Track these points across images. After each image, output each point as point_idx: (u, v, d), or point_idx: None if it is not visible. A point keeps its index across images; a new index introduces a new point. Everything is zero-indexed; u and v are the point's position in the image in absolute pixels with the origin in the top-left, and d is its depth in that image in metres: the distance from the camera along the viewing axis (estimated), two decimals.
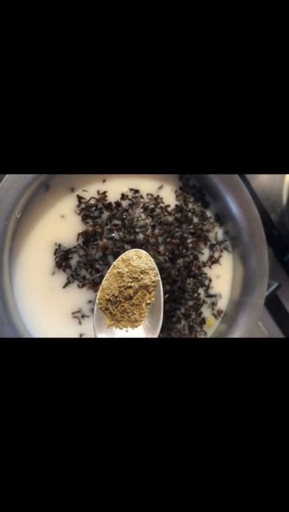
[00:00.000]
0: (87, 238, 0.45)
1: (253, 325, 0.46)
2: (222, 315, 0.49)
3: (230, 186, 0.47)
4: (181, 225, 0.48)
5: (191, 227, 0.48)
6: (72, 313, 0.44)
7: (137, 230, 0.46)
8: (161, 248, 0.47)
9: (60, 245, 0.44)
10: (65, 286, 0.44)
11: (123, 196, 0.46)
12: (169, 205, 0.48)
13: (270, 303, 0.61)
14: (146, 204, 0.47)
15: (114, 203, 0.46)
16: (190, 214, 0.49)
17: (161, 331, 0.46)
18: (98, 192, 0.46)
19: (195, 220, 0.49)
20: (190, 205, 0.49)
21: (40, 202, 0.44)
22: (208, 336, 0.48)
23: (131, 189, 0.47)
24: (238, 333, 0.47)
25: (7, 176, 0.40)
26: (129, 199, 0.47)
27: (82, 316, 0.44)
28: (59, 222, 0.44)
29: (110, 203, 0.46)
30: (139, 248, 0.43)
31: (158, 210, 0.47)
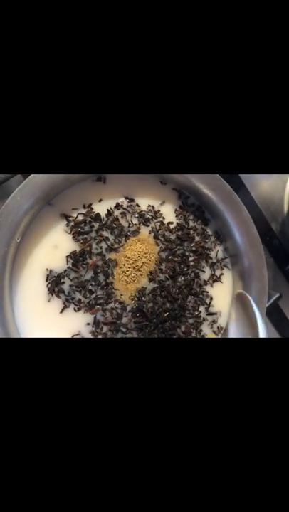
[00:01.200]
0: (76, 259, 0.46)
1: None
2: (222, 331, 0.50)
3: (228, 205, 0.48)
4: (183, 243, 0.49)
5: (192, 245, 0.49)
6: (72, 336, 0.46)
7: (129, 234, 0.48)
8: (163, 266, 0.48)
9: (51, 271, 0.45)
10: (62, 312, 0.45)
11: (117, 205, 0.47)
12: (171, 222, 0.49)
13: (271, 313, 0.61)
14: (143, 212, 0.48)
15: (107, 210, 0.47)
16: (192, 232, 0.50)
17: None
18: (84, 206, 0.47)
19: (197, 238, 0.50)
20: (191, 223, 0.50)
21: (36, 228, 0.45)
22: None
23: (126, 197, 0.48)
24: None
25: (6, 202, 0.42)
26: (124, 208, 0.48)
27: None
28: (50, 248, 0.46)
29: (98, 214, 0.47)
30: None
31: (156, 223, 0.48)
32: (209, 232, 0.50)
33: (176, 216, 0.49)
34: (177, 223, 0.49)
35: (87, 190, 0.47)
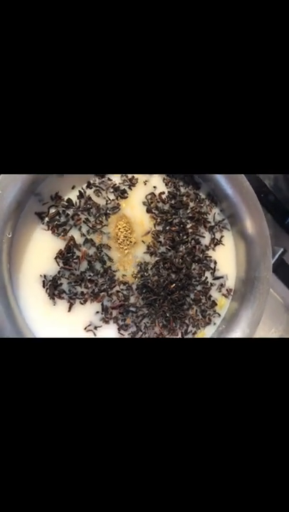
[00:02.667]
0: (66, 257, 0.44)
1: (263, 298, 0.47)
2: (232, 293, 0.49)
3: None
4: (178, 211, 0.48)
5: (188, 211, 0.48)
6: (85, 329, 0.44)
7: (109, 212, 0.45)
8: (161, 238, 0.47)
9: (45, 276, 0.43)
10: (70, 310, 0.44)
11: (89, 184, 0.45)
12: (163, 192, 0.47)
13: (278, 269, 0.61)
14: (118, 185, 0.46)
15: (79, 192, 0.44)
16: (185, 198, 0.48)
17: (174, 321, 0.47)
18: (51, 197, 0.44)
19: (191, 204, 0.48)
20: (182, 190, 0.48)
21: (25, 228, 0.43)
22: (222, 316, 0.49)
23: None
24: (250, 308, 0.47)
25: None
26: (96, 186, 0.45)
27: (96, 328, 0.45)
28: (38, 252, 0.43)
29: (69, 199, 0.44)
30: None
31: (146, 196, 0.47)
32: (202, 195, 0.49)
33: (166, 185, 0.48)
34: (168, 192, 0.48)
35: (57, 181, 0.44)
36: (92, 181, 0.45)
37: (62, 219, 0.44)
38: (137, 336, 0.46)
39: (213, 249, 0.49)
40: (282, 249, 0.60)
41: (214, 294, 0.49)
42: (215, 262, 0.49)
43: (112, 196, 0.46)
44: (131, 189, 0.46)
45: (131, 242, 0.46)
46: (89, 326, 0.44)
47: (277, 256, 0.59)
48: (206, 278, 0.48)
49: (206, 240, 0.49)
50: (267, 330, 0.65)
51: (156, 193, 0.47)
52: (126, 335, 0.45)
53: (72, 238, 0.44)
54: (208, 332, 0.49)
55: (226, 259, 0.49)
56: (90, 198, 0.45)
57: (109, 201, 0.45)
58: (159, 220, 0.47)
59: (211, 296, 0.49)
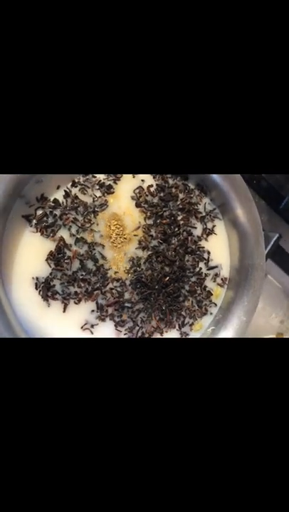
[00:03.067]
0: (56, 258, 0.43)
1: (258, 285, 0.47)
2: (227, 282, 0.49)
3: None
4: (167, 203, 0.48)
5: (178, 203, 0.48)
6: (82, 328, 0.45)
7: (97, 209, 0.45)
8: (152, 231, 0.47)
9: (37, 278, 0.43)
10: (64, 311, 0.44)
11: (73, 183, 0.45)
12: (151, 185, 0.47)
13: (274, 254, 0.60)
14: (103, 181, 0.45)
15: (64, 191, 0.44)
16: (174, 190, 0.48)
17: (170, 313, 0.47)
18: (37, 199, 0.43)
19: (180, 195, 0.48)
20: (170, 182, 0.48)
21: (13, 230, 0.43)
22: (219, 305, 0.49)
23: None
24: (246, 296, 0.47)
25: None
26: (81, 184, 0.45)
27: (92, 326, 0.45)
28: (28, 255, 0.43)
29: (55, 199, 0.44)
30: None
31: (134, 191, 0.46)
32: (191, 186, 0.48)
33: (154, 177, 0.47)
34: (157, 184, 0.47)
35: (41, 182, 0.44)
36: (76, 180, 0.45)
37: (50, 220, 0.44)
38: (134, 331, 0.46)
39: (206, 240, 0.49)
40: (277, 235, 0.59)
41: (209, 284, 0.49)
42: (208, 252, 0.49)
43: (98, 193, 0.45)
44: (116, 183, 0.46)
45: (126, 239, 0.45)
46: (85, 325, 0.45)
47: (272, 242, 0.59)
48: (200, 269, 0.48)
49: (198, 231, 0.48)
50: (267, 316, 0.65)
51: (144, 186, 0.47)
52: (123, 331, 0.46)
53: (61, 239, 0.43)
54: (205, 322, 0.49)
55: (219, 248, 0.49)
56: (76, 197, 0.44)
57: (96, 198, 0.45)
58: (149, 214, 0.47)
59: (206, 286, 0.49)
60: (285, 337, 0.63)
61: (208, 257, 0.49)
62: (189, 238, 0.48)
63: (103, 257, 0.45)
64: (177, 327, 0.47)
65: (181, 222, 0.48)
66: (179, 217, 0.48)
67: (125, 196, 0.46)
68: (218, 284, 0.49)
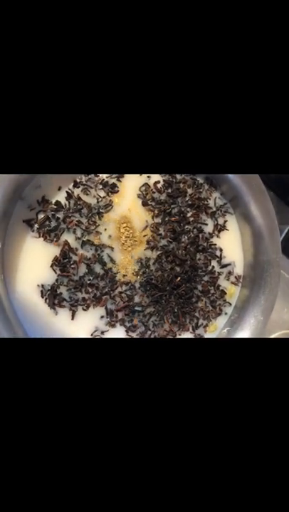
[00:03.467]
0: (62, 263, 0.41)
1: (275, 282, 0.45)
2: (241, 280, 0.47)
3: None
4: (176, 200, 0.45)
5: (187, 199, 0.45)
6: (91, 334, 0.42)
7: (102, 210, 0.42)
8: (161, 230, 0.44)
9: (43, 286, 0.41)
10: (73, 318, 0.42)
11: (75, 184, 0.42)
12: (158, 181, 0.44)
13: (286, 247, 0.58)
14: (106, 180, 0.43)
15: (66, 193, 0.41)
16: (182, 185, 0.45)
17: (183, 316, 0.45)
18: (38, 202, 0.41)
19: (189, 190, 0.46)
20: (178, 177, 0.45)
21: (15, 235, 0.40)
22: (233, 304, 0.47)
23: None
24: (262, 294, 0.45)
25: None
26: (83, 184, 0.42)
27: (102, 332, 0.43)
28: (32, 262, 0.41)
29: (58, 201, 0.41)
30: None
31: (140, 188, 0.44)
32: (200, 180, 0.46)
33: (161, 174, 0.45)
34: (164, 180, 0.45)
35: (42, 183, 0.41)
36: (78, 180, 0.42)
37: (53, 223, 0.41)
38: (146, 336, 0.44)
39: (218, 236, 0.46)
40: (288, 227, 0.57)
41: (223, 283, 0.47)
42: (220, 250, 0.46)
43: (102, 193, 0.43)
44: (120, 181, 0.43)
45: (136, 241, 0.43)
46: (95, 331, 0.42)
47: (283, 235, 0.56)
48: (213, 267, 0.46)
49: (208, 227, 0.46)
50: (279, 310, 0.63)
51: (151, 183, 0.44)
52: (134, 336, 0.43)
53: (66, 243, 0.41)
54: (219, 323, 0.46)
55: (231, 245, 0.47)
56: (79, 198, 0.42)
57: (100, 199, 0.42)
58: (157, 212, 0.44)
59: (219, 285, 0.46)
60: None
61: (221, 255, 0.46)
62: (200, 235, 0.45)
63: (112, 260, 0.42)
64: (191, 329, 0.45)
65: (191, 218, 0.45)
66: (189, 214, 0.45)
67: (131, 194, 0.44)
68: (232, 283, 0.47)
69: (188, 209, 0.45)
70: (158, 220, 0.44)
